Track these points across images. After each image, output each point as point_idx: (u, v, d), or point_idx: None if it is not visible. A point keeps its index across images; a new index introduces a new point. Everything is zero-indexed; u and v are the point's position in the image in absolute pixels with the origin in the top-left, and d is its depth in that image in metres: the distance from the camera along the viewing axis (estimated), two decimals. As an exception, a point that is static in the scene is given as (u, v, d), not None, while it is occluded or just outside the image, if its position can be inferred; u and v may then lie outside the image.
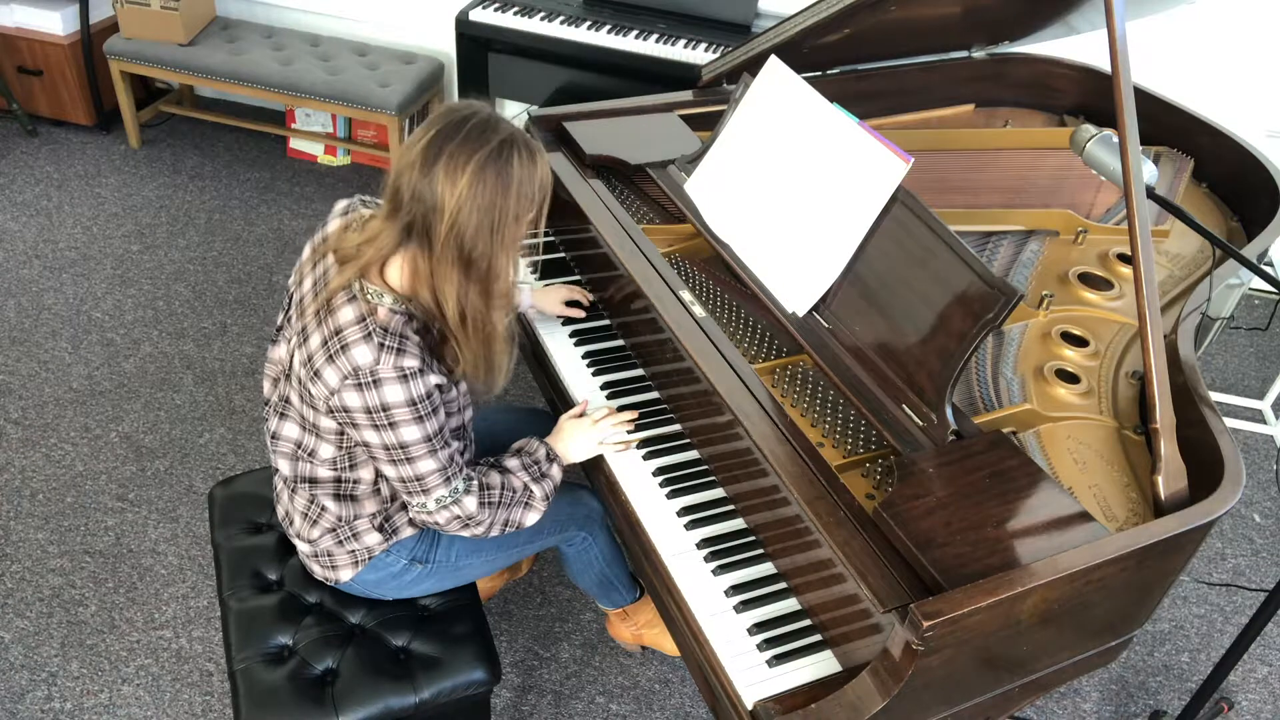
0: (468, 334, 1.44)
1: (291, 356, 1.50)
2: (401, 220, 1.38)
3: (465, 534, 1.56)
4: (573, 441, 1.70)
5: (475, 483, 1.53)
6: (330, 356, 1.39)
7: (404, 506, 1.62)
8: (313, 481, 1.56)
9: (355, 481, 1.56)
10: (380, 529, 1.61)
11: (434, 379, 1.43)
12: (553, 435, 1.72)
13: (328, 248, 1.49)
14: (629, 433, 1.75)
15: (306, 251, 1.55)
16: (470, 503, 1.52)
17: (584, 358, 1.92)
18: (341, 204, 1.56)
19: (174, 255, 3.33)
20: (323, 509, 1.58)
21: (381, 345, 1.38)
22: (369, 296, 1.41)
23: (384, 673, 1.61)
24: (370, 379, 1.37)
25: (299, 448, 1.55)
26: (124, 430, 2.67)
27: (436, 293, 1.41)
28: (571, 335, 1.97)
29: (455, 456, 1.50)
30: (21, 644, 2.16)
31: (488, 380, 1.52)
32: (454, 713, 1.68)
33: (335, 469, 1.54)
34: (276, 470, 1.64)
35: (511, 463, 1.63)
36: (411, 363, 1.39)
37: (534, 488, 1.61)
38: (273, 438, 1.59)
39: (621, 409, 1.78)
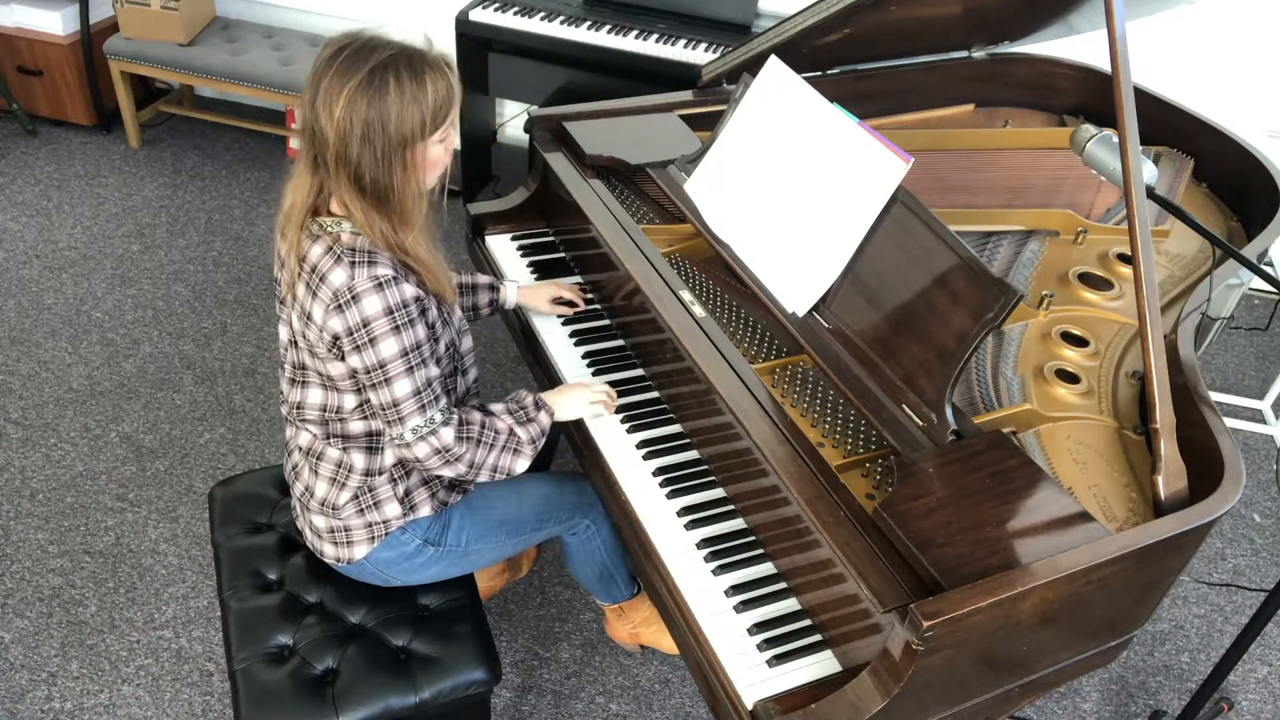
0: (395, 254, 1.48)
1: (291, 325, 1.54)
2: (308, 157, 1.44)
3: (448, 472, 1.57)
4: (565, 395, 1.73)
5: (455, 418, 1.55)
6: (314, 292, 1.44)
7: (425, 481, 1.66)
8: (345, 438, 1.59)
9: (382, 433, 1.58)
10: (401, 501, 1.63)
11: (410, 289, 1.46)
12: (547, 392, 1.75)
13: (283, 221, 1.52)
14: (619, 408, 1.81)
15: (277, 235, 1.58)
16: (447, 434, 1.53)
17: (584, 357, 1.92)
18: (289, 185, 1.60)
19: (174, 255, 3.33)
20: (351, 469, 1.60)
21: (353, 263, 1.42)
22: (329, 229, 1.46)
23: (384, 672, 1.61)
24: (349, 296, 1.41)
25: (325, 410, 1.58)
26: (124, 430, 2.67)
27: (350, 216, 1.45)
28: (571, 335, 1.97)
29: (433, 383, 1.51)
30: (21, 644, 2.16)
31: (440, 294, 1.55)
32: (454, 713, 1.68)
33: (364, 418, 1.57)
34: (296, 449, 1.67)
35: (496, 407, 1.66)
36: (384, 270, 1.43)
37: (519, 431, 1.63)
38: (297, 408, 1.61)
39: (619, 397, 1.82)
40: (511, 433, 1.62)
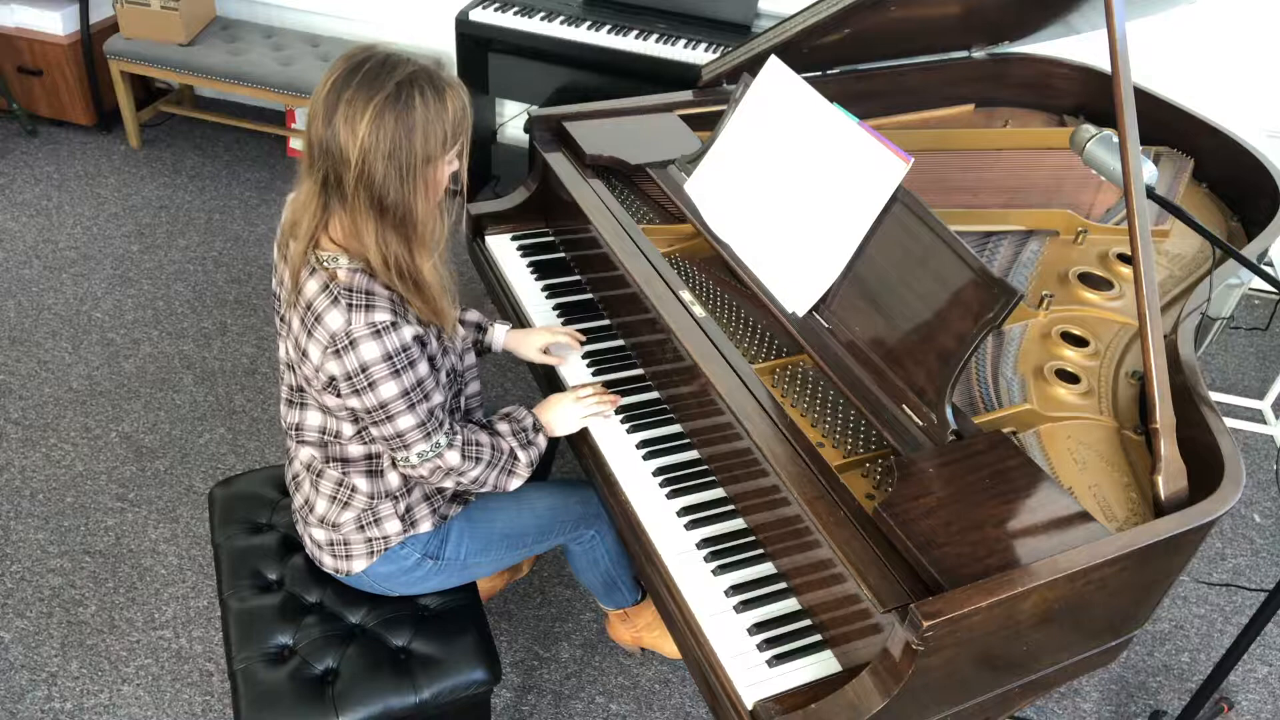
0: (405, 282, 1.43)
1: (288, 348, 1.53)
2: (318, 176, 1.37)
3: (449, 483, 1.58)
4: (558, 414, 1.73)
5: (459, 438, 1.55)
6: (309, 332, 1.42)
7: (426, 498, 1.65)
8: (344, 461, 1.58)
9: (382, 455, 1.58)
10: (401, 518, 1.63)
11: (409, 330, 1.42)
12: (539, 407, 1.74)
13: (283, 237, 1.49)
14: (613, 405, 1.79)
15: (275, 253, 1.56)
16: (453, 456, 1.54)
17: (584, 357, 1.92)
18: (289, 197, 1.56)
19: (174, 255, 3.33)
20: (353, 489, 1.59)
21: (350, 305, 1.38)
22: (325, 263, 1.41)
23: (384, 673, 1.61)
24: (346, 341, 1.38)
25: (324, 433, 1.57)
26: (124, 430, 2.67)
27: (360, 242, 1.40)
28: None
29: (435, 411, 1.50)
30: (21, 644, 2.16)
31: (439, 324, 1.51)
32: (454, 713, 1.68)
33: (364, 443, 1.55)
34: (296, 460, 1.65)
35: (501, 427, 1.66)
36: (383, 316, 1.39)
37: (520, 454, 1.64)
38: (296, 428, 1.59)
39: (607, 385, 1.82)
40: (513, 454, 1.63)
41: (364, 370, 1.40)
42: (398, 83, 1.33)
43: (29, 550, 2.35)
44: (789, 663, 1.43)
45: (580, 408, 1.74)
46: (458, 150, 1.44)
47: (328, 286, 1.40)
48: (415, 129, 1.34)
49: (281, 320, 1.56)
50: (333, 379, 1.43)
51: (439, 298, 1.47)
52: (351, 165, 1.33)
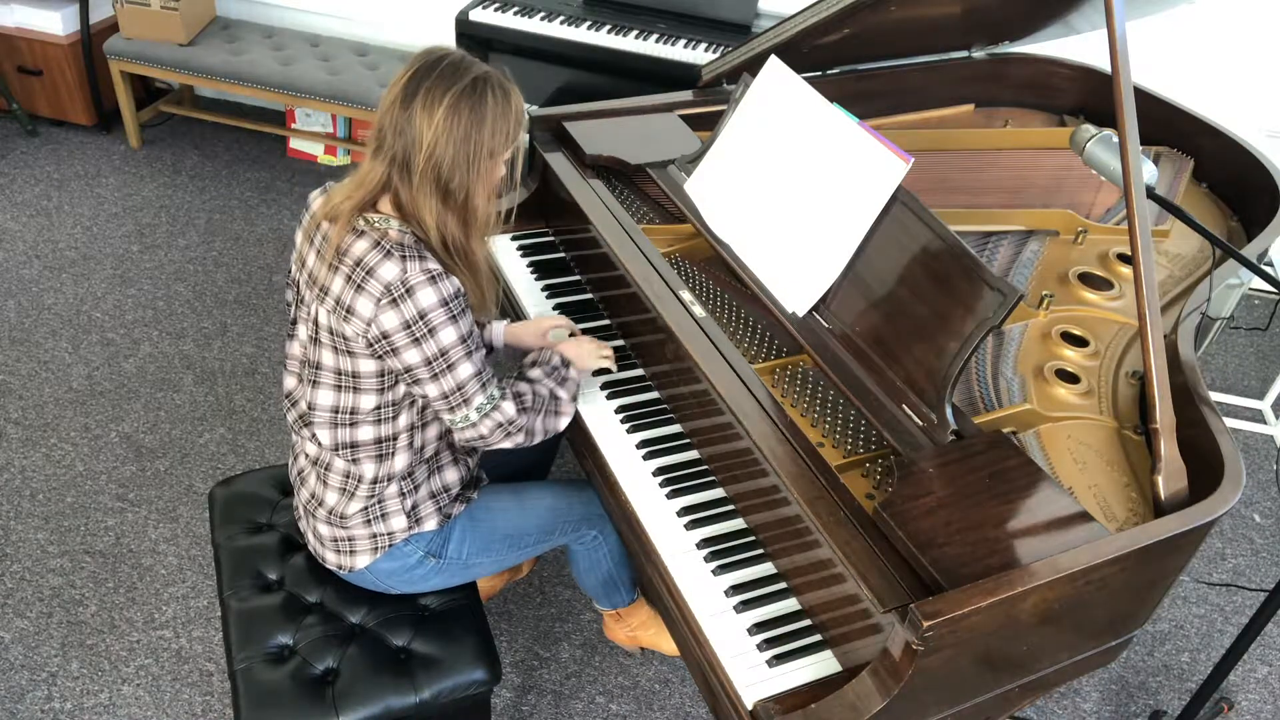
0: (459, 260, 1.52)
1: (314, 322, 1.54)
2: (385, 155, 1.46)
3: (508, 443, 1.61)
4: (577, 350, 1.76)
5: (508, 391, 1.60)
6: (359, 286, 1.44)
7: (432, 495, 1.65)
8: (353, 446, 1.59)
9: (394, 438, 1.58)
10: (407, 514, 1.64)
11: (457, 281, 1.49)
12: (558, 348, 1.77)
13: (317, 220, 1.54)
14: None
15: (299, 237, 1.59)
16: (509, 407, 1.57)
17: (584, 358, 1.92)
18: (315, 192, 1.61)
19: (174, 255, 3.33)
20: (359, 479, 1.60)
21: (404, 257, 1.44)
22: (375, 224, 1.47)
23: (384, 672, 1.62)
24: (403, 290, 1.43)
25: (337, 412, 1.57)
26: (124, 430, 2.67)
27: (418, 220, 1.48)
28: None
29: (485, 362, 1.55)
30: (21, 644, 2.16)
31: (482, 307, 1.59)
32: (454, 713, 1.68)
33: (377, 420, 1.56)
34: (302, 455, 1.66)
35: (534, 372, 1.70)
36: (434, 265, 1.46)
37: (560, 392, 1.68)
38: (309, 409, 1.60)
39: (608, 385, 1.85)
40: (554, 395, 1.67)
41: (423, 317, 1.44)
42: (474, 78, 1.44)
43: (29, 550, 2.35)
44: (789, 663, 1.43)
45: (594, 347, 1.79)
46: (512, 153, 1.53)
47: (379, 243, 1.45)
48: (485, 121, 1.44)
49: (300, 304, 1.58)
50: (384, 334, 1.45)
51: (485, 282, 1.57)
52: (423, 147, 1.42)
